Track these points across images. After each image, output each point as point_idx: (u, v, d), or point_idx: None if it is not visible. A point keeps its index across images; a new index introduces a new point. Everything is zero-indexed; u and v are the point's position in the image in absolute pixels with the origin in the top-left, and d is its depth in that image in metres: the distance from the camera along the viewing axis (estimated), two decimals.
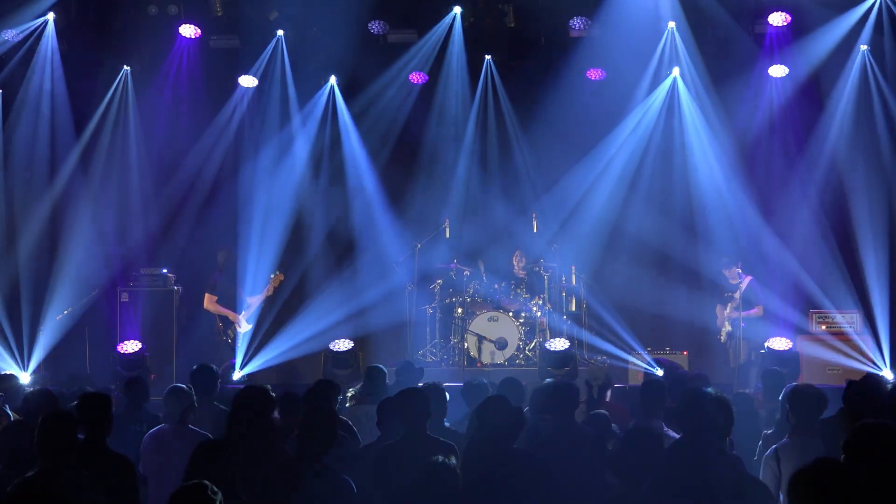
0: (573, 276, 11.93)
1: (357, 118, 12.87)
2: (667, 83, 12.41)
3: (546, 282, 11.78)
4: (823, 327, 11.04)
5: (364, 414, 6.55)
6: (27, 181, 12.16)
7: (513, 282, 11.96)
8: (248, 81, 12.53)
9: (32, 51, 11.86)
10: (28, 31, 11.68)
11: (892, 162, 11.74)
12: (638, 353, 10.84)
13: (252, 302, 11.27)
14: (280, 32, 12.38)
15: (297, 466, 4.66)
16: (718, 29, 11.66)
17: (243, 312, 11.17)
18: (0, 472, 4.80)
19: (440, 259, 12.12)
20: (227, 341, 11.03)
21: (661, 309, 11.85)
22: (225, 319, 11.07)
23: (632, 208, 12.44)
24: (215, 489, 3.57)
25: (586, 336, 11.73)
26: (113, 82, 12.44)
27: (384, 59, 12.46)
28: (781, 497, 4.84)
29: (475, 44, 12.55)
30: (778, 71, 11.98)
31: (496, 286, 11.90)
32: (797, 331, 10.98)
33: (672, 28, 12.04)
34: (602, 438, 5.73)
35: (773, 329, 10.69)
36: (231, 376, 10.62)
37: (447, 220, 12.18)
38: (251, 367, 10.85)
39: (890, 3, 11.47)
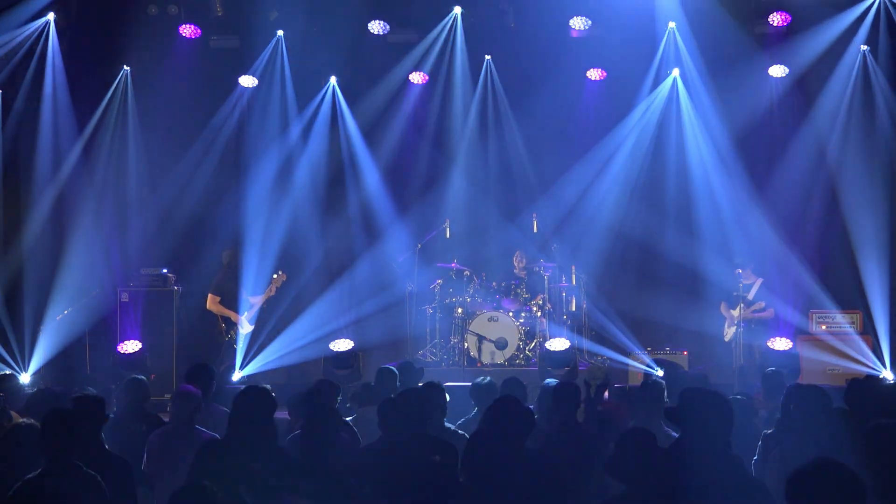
0: (573, 276, 11.93)
1: (357, 118, 12.87)
2: (667, 83, 12.42)
3: (546, 282, 11.78)
4: (823, 327, 11.05)
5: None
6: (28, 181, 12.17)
7: (513, 282, 11.97)
8: (247, 81, 12.53)
9: (33, 51, 11.86)
10: (28, 32, 11.70)
11: (892, 161, 11.75)
12: (638, 354, 10.84)
13: (254, 302, 11.27)
14: (280, 32, 12.39)
15: (302, 468, 4.66)
16: (718, 29, 11.66)
17: (245, 313, 11.17)
18: (4, 473, 4.79)
19: (440, 259, 12.12)
20: (229, 342, 11.03)
21: (661, 309, 11.84)
22: (227, 320, 11.07)
23: (632, 208, 12.44)
24: (214, 489, 3.57)
25: (586, 336, 11.74)
26: (113, 82, 12.45)
27: (384, 59, 12.47)
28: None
29: (475, 44, 12.56)
30: (777, 71, 11.98)
31: (496, 286, 11.91)
32: (797, 331, 10.98)
33: (672, 28, 12.05)
34: (603, 438, 5.73)
35: (774, 329, 10.71)
36: (231, 376, 10.64)
37: (447, 220, 12.18)
38: (251, 368, 10.86)
39: (890, 2, 11.48)
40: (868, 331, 11.01)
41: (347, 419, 6.61)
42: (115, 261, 12.02)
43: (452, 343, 11.76)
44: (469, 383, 7.09)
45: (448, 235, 12.14)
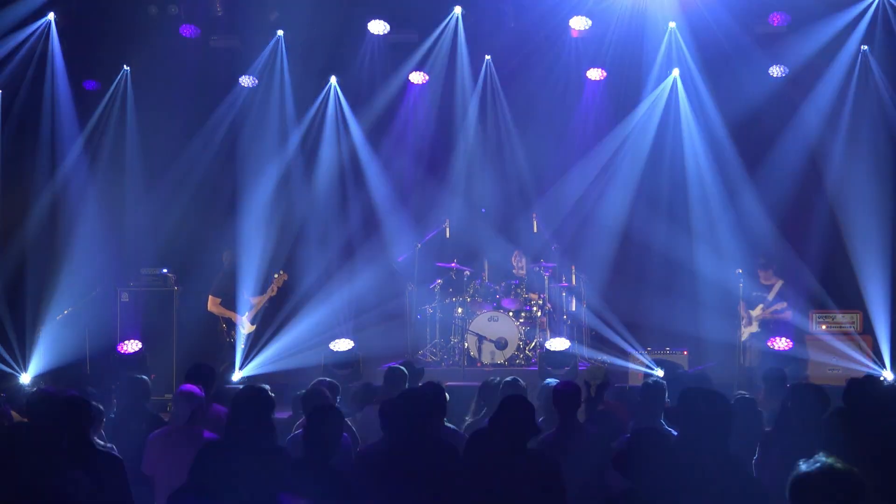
0: (573, 276, 11.93)
1: (357, 118, 12.87)
2: (666, 83, 12.42)
3: (546, 282, 11.79)
4: (824, 327, 11.05)
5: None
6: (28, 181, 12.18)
7: (513, 282, 11.97)
8: (247, 81, 12.53)
9: (33, 51, 11.86)
10: (28, 32, 11.70)
11: (893, 160, 11.74)
12: (638, 353, 10.84)
13: (255, 302, 11.27)
14: (280, 32, 12.39)
15: (303, 468, 4.66)
16: (718, 29, 11.66)
17: (246, 313, 11.17)
18: (3, 474, 4.79)
19: (440, 259, 12.13)
20: (230, 342, 11.03)
21: (661, 308, 11.85)
22: (228, 320, 11.07)
23: (631, 208, 12.45)
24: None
25: (586, 336, 11.74)
26: (113, 82, 12.45)
27: (384, 59, 12.47)
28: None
29: (475, 44, 12.56)
30: (777, 71, 11.98)
31: (496, 286, 11.91)
32: (797, 331, 10.98)
33: (672, 28, 12.05)
34: (605, 437, 5.73)
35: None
36: (231, 377, 10.64)
37: (447, 220, 12.18)
38: (251, 368, 10.85)
39: (889, 2, 11.48)
40: (868, 331, 11.01)
41: (347, 419, 6.60)
42: (116, 261, 12.02)
43: (452, 343, 11.76)
44: (468, 384, 7.10)
45: (448, 235, 12.14)
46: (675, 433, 5.29)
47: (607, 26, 11.92)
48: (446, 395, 6.24)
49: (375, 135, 12.91)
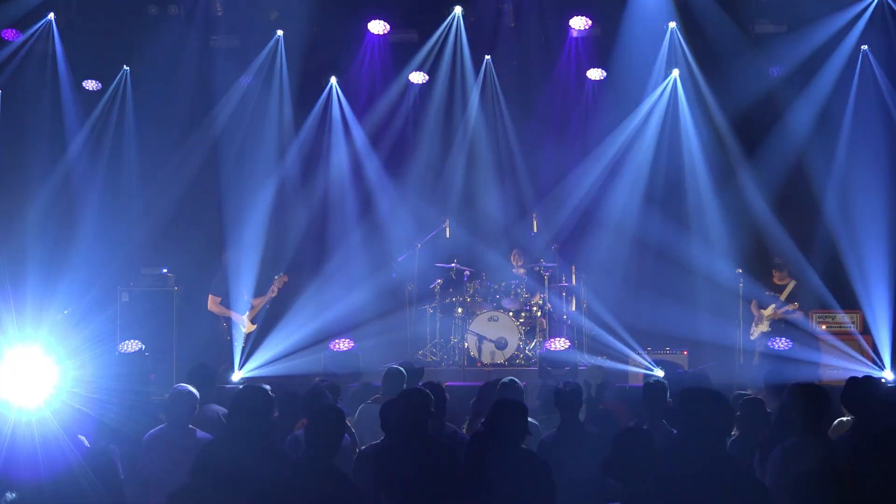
0: (573, 276, 11.93)
1: (357, 118, 12.87)
2: (667, 83, 12.42)
3: (546, 282, 11.78)
4: (824, 327, 11.05)
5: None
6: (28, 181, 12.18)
7: (513, 282, 11.96)
8: (248, 81, 12.53)
9: (33, 51, 11.86)
10: (29, 32, 11.71)
11: (893, 160, 11.74)
12: (638, 353, 10.84)
13: (256, 303, 11.27)
14: (280, 32, 12.39)
15: (305, 469, 4.65)
16: (718, 29, 11.66)
17: (247, 313, 11.16)
18: None
19: (440, 259, 12.12)
20: (230, 342, 11.02)
21: (661, 308, 11.84)
22: (229, 320, 11.07)
23: (632, 207, 12.44)
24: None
25: (586, 336, 11.72)
26: (113, 82, 12.45)
27: (384, 59, 12.46)
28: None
29: (475, 44, 12.56)
30: (776, 70, 11.98)
31: (496, 286, 11.90)
32: (808, 332, 10.97)
33: (672, 28, 12.05)
34: (605, 437, 5.72)
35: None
36: (230, 377, 10.63)
37: (447, 220, 12.18)
38: (250, 367, 10.85)
39: (889, 1, 11.49)
40: (868, 331, 11.01)
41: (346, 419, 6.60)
42: (116, 261, 12.01)
43: (452, 343, 11.76)
44: (468, 384, 7.10)
45: (448, 235, 12.13)
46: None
47: (607, 26, 11.93)
48: (446, 395, 6.26)
49: (375, 135, 12.91)
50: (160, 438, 5.86)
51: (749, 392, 7.28)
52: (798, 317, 10.84)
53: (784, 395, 5.61)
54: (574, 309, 11.92)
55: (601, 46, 12.16)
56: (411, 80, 12.76)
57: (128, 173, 12.55)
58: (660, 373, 9.72)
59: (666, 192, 12.49)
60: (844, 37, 11.65)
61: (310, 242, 12.65)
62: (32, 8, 11.59)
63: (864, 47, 11.77)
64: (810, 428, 5.16)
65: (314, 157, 12.94)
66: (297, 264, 12.32)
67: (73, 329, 10.56)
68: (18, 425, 5.12)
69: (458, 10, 12.25)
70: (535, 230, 12.07)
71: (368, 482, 5.01)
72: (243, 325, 11.10)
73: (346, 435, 5.72)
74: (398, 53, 12.58)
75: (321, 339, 11.38)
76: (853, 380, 5.68)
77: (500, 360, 11.32)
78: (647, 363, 10.50)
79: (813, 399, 5.29)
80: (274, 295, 11.30)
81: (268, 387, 5.07)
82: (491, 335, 11.36)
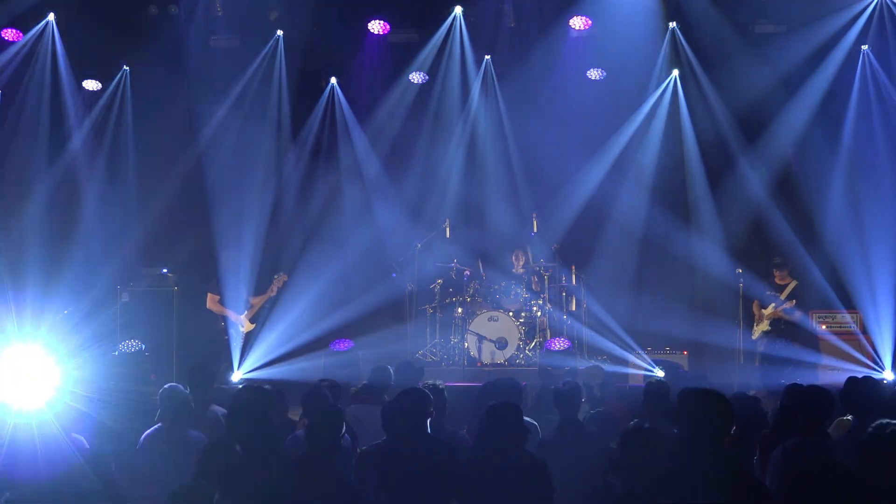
0: (573, 276, 11.93)
1: (357, 118, 12.87)
2: (667, 83, 12.42)
3: (546, 282, 11.78)
4: (824, 327, 11.05)
5: (367, 414, 6.54)
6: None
7: (513, 281, 11.96)
8: (248, 81, 12.53)
9: (33, 51, 11.87)
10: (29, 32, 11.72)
11: (895, 160, 11.74)
12: (638, 353, 10.85)
13: (255, 303, 11.27)
14: (280, 32, 12.39)
15: (305, 469, 4.65)
16: (718, 29, 11.66)
17: (246, 312, 11.16)
18: None
19: (440, 259, 12.12)
20: (228, 341, 11.03)
21: (661, 308, 11.84)
22: (227, 319, 11.07)
23: (632, 207, 12.44)
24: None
25: (586, 336, 11.73)
26: (112, 82, 12.45)
27: (384, 59, 12.47)
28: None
29: (475, 43, 12.56)
30: (776, 70, 11.98)
31: (496, 286, 11.90)
32: (808, 331, 10.97)
33: (672, 28, 12.05)
34: (605, 437, 5.73)
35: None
36: (230, 377, 10.64)
37: (447, 220, 12.18)
38: (250, 367, 10.85)
39: (889, 2, 11.49)
40: (868, 331, 11.01)
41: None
42: (116, 261, 12.02)
43: (452, 343, 11.76)
44: (468, 384, 7.10)
45: (448, 235, 12.13)
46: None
47: (607, 26, 11.92)
48: (445, 394, 6.26)
49: (375, 134, 12.90)
50: (156, 438, 5.86)
51: (748, 392, 7.28)
52: (796, 317, 10.85)
53: (784, 396, 5.62)
54: (574, 309, 11.93)
55: (601, 46, 12.15)
56: (411, 80, 12.76)
57: (128, 173, 12.55)
58: (660, 373, 9.72)
59: (666, 192, 12.49)
60: (844, 37, 11.65)
61: (309, 242, 12.65)
62: (32, 8, 11.60)
63: (864, 47, 11.77)
64: (811, 428, 5.17)
65: (314, 156, 12.93)
66: (296, 264, 12.32)
67: (73, 329, 10.54)
68: (18, 426, 5.13)
69: (458, 10, 12.26)
70: (535, 230, 12.08)
71: (368, 482, 5.01)
72: (242, 324, 11.10)
73: (346, 435, 5.73)
74: (398, 53, 12.58)
75: (321, 339, 11.38)
76: (853, 380, 5.69)
77: (500, 360, 11.32)
78: (647, 363, 10.50)
79: (813, 399, 5.30)
80: (273, 294, 11.30)
81: (268, 386, 5.07)
82: (491, 335, 11.36)
